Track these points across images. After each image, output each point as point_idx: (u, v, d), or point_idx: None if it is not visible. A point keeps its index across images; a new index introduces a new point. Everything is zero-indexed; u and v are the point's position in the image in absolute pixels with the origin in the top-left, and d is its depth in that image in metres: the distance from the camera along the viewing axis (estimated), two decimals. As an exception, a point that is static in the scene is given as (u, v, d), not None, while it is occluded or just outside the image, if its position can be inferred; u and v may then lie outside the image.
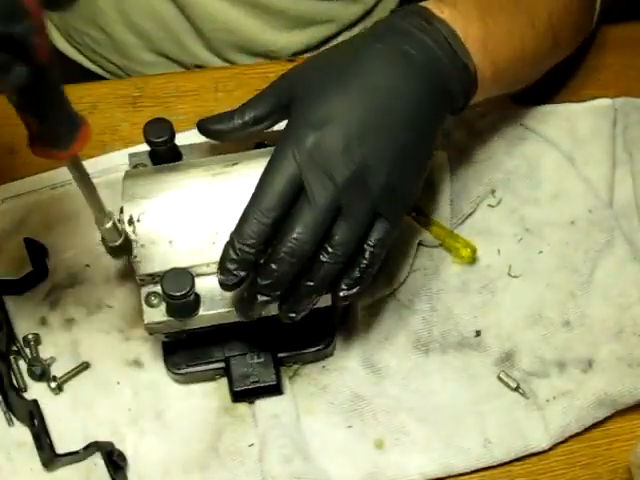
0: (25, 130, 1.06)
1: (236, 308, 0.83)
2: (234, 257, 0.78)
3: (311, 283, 0.80)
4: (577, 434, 0.94)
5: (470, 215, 1.04)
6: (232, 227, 0.79)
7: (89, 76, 1.32)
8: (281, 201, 0.77)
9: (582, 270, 1.01)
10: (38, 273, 0.99)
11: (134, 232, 0.83)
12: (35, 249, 0.99)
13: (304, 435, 0.93)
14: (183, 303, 0.81)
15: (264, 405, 0.93)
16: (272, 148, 0.81)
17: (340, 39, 1.23)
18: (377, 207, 0.80)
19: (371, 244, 0.81)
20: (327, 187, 0.77)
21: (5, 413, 0.93)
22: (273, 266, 0.78)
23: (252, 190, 0.79)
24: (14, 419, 0.93)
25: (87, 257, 1.00)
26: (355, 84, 0.81)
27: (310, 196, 0.77)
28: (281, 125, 0.84)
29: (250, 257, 0.78)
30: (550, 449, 0.94)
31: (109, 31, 1.24)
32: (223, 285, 0.80)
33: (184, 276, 0.80)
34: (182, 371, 0.93)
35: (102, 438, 0.92)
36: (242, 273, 0.78)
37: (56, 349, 0.96)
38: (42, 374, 0.94)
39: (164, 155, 0.88)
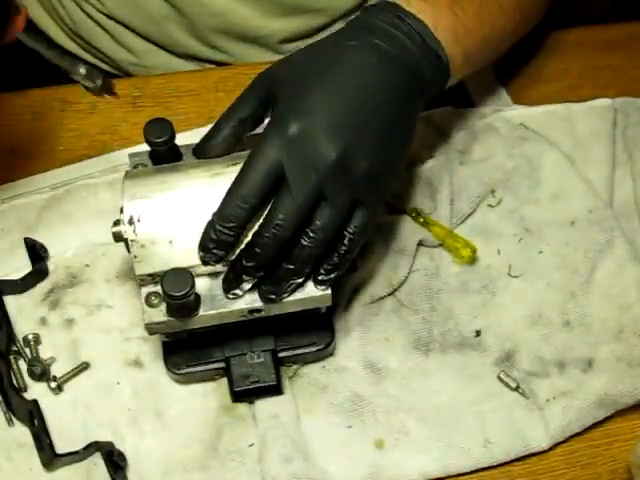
0: (24, 131, 1.07)
1: (223, 288, 0.85)
2: (214, 237, 0.81)
3: (292, 266, 0.82)
4: (577, 434, 0.94)
5: (470, 215, 1.04)
6: None
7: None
8: (261, 188, 0.80)
9: (582, 270, 1.01)
10: (38, 273, 0.99)
11: (134, 232, 0.83)
12: (35, 249, 0.99)
13: (304, 435, 0.93)
14: (183, 303, 0.81)
15: (264, 405, 0.93)
16: None
17: (335, 27, 1.22)
18: (357, 194, 0.83)
19: (351, 231, 0.84)
20: (308, 175, 0.80)
21: (5, 413, 0.93)
22: (257, 250, 0.81)
23: None
24: (14, 419, 0.92)
25: (87, 257, 1.01)
26: (334, 79, 0.84)
27: (292, 183, 0.80)
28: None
29: (229, 239, 0.81)
30: (550, 449, 0.94)
31: (97, 20, 1.24)
32: (203, 262, 0.83)
33: (184, 276, 0.80)
34: (182, 371, 0.93)
35: (102, 438, 0.92)
36: (220, 252, 0.82)
37: (56, 349, 0.96)
38: (42, 374, 0.94)
39: (164, 155, 0.88)
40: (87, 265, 1.00)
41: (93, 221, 1.02)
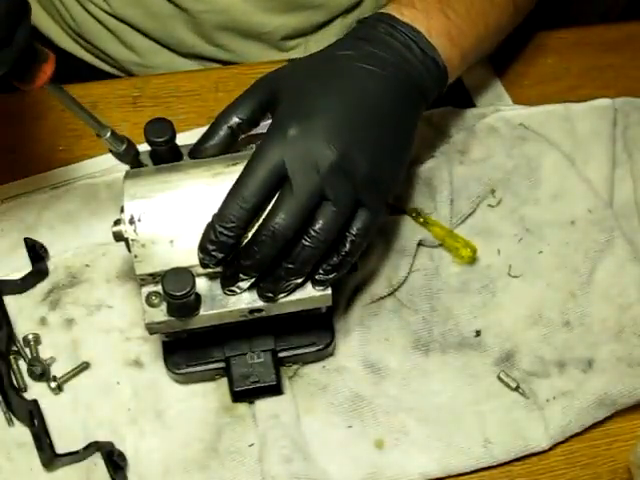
0: (25, 130, 1.07)
1: (221, 284, 0.85)
2: (213, 239, 0.81)
3: (291, 265, 0.82)
4: (577, 434, 0.94)
5: (470, 215, 1.04)
6: None
7: (94, 73, 1.32)
8: (263, 188, 0.80)
9: (582, 270, 1.01)
10: (38, 273, 0.99)
11: (135, 232, 0.83)
12: (35, 249, 0.99)
13: (304, 435, 0.93)
14: (184, 303, 0.81)
15: (264, 405, 0.93)
16: None
17: (336, 24, 1.25)
18: (359, 196, 0.83)
19: (353, 233, 0.84)
20: (310, 175, 0.80)
21: (5, 413, 0.93)
22: (255, 248, 0.81)
23: None
24: (14, 419, 0.92)
25: (87, 257, 1.00)
26: (334, 84, 0.86)
27: (294, 183, 0.80)
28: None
29: (229, 240, 0.81)
30: (550, 449, 0.94)
31: (101, 19, 1.24)
32: (202, 264, 0.82)
33: (185, 276, 0.80)
34: (182, 371, 0.93)
35: (102, 438, 0.92)
36: (220, 255, 0.81)
37: (56, 349, 0.96)
38: (42, 374, 0.94)
39: (165, 155, 0.88)
40: (87, 265, 1.00)
41: (93, 221, 1.02)
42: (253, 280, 0.84)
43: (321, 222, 0.81)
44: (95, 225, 1.01)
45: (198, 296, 0.84)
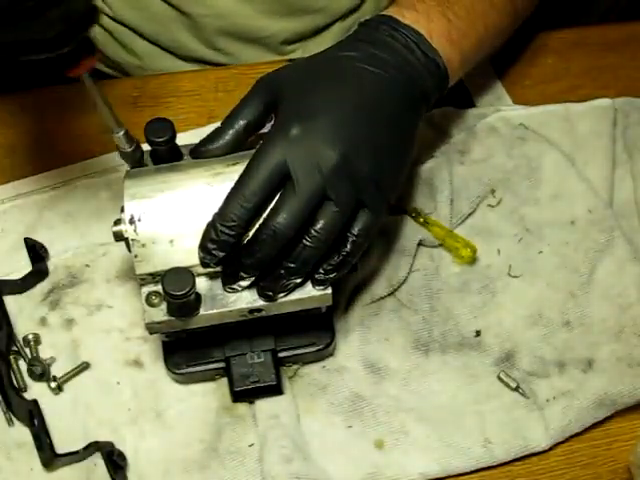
0: (24, 131, 1.07)
1: (222, 281, 0.85)
2: (214, 238, 0.81)
3: (292, 265, 0.82)
4: (577, 434, 0.94)
5: (470, 215, 1.04)
6: None
7: (93, 73, 1.32)
8: (265, 187, 0.80)
9: (582, 270, 1.01)
10: (38, 273, 0.99)
11: (135, 231, 0.83)
12: (35, 249, 0.99)
13: (304, 435, 0.93)
14: (184, 302, 0.81)
15: (264, 405, 0.93)
16: None
17: (335, 28, 1.25)
18: (361, 196, 0.83)
19: (355, 233, 0.84)
20: (312, 175, 0.80)
21: (5, 413, 0.93)
22: (256, 247, 0.81)
23: None
24: (14, 419, 0.93)
25: (87, 257, 1.01)
26: (335, 84, 0.86)
27: (295, 182, 0.80)
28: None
29: (230, 239, 0.81)
30: (550, 449, 0.94)
31: (103, 23, 1.24)
32: (203, 264, 0.83)
33: (185, 275, 0.80)
34: (182, 371, 0.93)
35: (102, 438, 0.92)
36: (221, 254, 0.82)
37: (56, 349, 0.96)
38: (42, 374, 0.94)
39: (165, 155, 0.88)
40: (87, 265, 1.00)
41: (93, 221, 1.02)
42: (254, 278, 0.84)
43: (322, 222, 0.81)
44: (95, 225, 1.01)
45: (198, 296, 0.84)
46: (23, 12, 0.68)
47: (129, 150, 0.85)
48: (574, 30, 1.19)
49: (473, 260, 1.01)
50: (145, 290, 0.85)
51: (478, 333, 0.98)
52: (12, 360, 0.95)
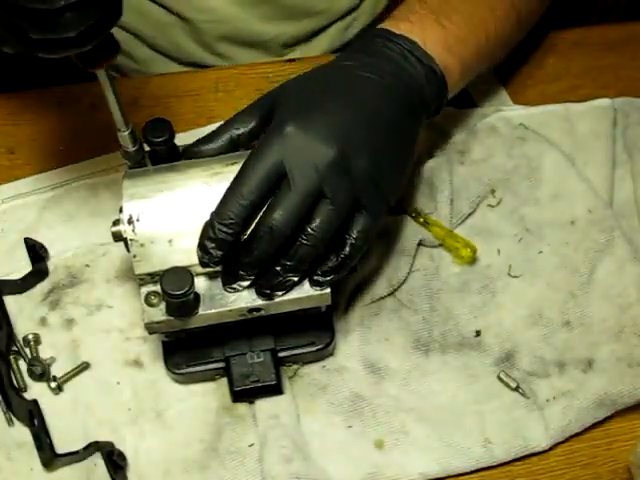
0: (24, 131, 1.07)
1: (222, 281, 0.85)
2: (212, 236, 0.81)
3: (288, 263, 0.83)
4: (577, 434, 0.94)
5: (470, 215, 1.04)
6: None
7: (92, 74, 1.33)
8: (261, 185, 0.81)
9: (582, 270, 1.01)
10: (38, 273, 0.99)
11: (134, 231, 0.83)
12: (35, 249, 0.99)
13: (304, 435, 0.93)
14: (183, 302, 0.81)
15: (264, 405, 0.93)
16: None
17: (330, 33, 1.27)
18: (359, 196, 0.83)
19: (353, 235, 0.84)
20: (309, 172, 0.81)
21: (5, 413, 0.93)
22: (253, 245, 0.81)
23: None
24: (14, 419, 0.93)
25: (87, 257, 1.01)
26: (335, 87, 0.87)
27: (291, 180, 0.80)
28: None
29: (227, 237, 0.81)
30: (550, 449, 0.94)
31: None
32: (201, 263, 0.83)
33: (184, 275, 0.80)
34: (182, 371, 0.93)
35: (102, 438, 0.92)
36: (219, 252, 0.82)
37: (56, 349, 0.96)
38: (42, 374, 0.94)
39: (163, 155, 0.88)
40: (87, 265, 1.00)
41: (93, 221, 1.02)
42: (253, 277, 0.84)
43: (318, 220, 0.81)
44: (95, 225, 1.01)
45: (197, 295, 0.84)
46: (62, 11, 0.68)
47: (132, 150, 0.86)
48: (574, 30, 1.19)
49: (473, 260, 1.01)
50: (144, 290, 0.85)
51: (478, 333, 0.98)
52: (12, 360, 0.95)
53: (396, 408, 0.94)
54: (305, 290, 0.86)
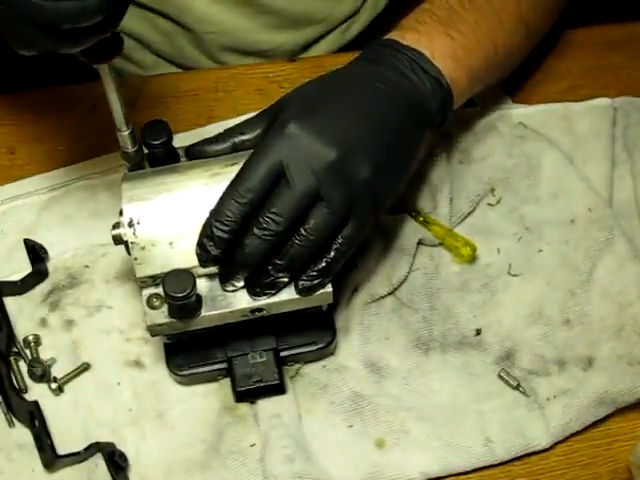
0: (25, 131, 1.07)
1: (219, 281, 0.86)
2: (209, 234, 0.81)
3: (280, 262, 0.83)
4: (577, 434, 0.94)
5: (470, 214, 1.04)
6: None
7: (92, 74, 1.33)
8: (260, 184, 0.81)
9: (582, 268, 1.01)
10: (38, 274, 0.99)
11: (134, 234, 0.83)
12: (35, 250, 0.99)
13: (305, 435, 0.93)
14: (185, 304, 0.81)
15: (266, 405, 0.93)
16: None
17: (330, 37, 1.27)
18: (354, 202, 0.83)
19: (339, 241, 0.84)
20: (308, 173, 0.81)
21: (6, 414, 0.93)
22: (246, 241, 0.81)
23: None
24: (15, 420, 0.93)
25: (86, 258, 1.01)
26: (340, 93, 0.88)
27: (289, 180, 0.81)
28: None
29: (224, 235, 0.81)
30: (550, 448, 0.94)
31: None
32: (200, 261, 0.83)
33: (185, 277, 0.80)
34: (185, 372, 0.93)
35: (103, 439, 0.92)
36: (216, 250, 0.82)
37: (56, 350, 0.96)
38: (43, 375, 0.94)
39: (162, 157, 0.88)
40: (87, 266, 1.00)
41: (92, 222, 1.02)
42: (247, 275, 0.84)
43: (313, 222, 0.82)
44: (94, 226, 1.01)
45: (199, 297, 0.84)
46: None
47: (131, 150, 0.85)
48: (574, 30, 1.19)
49: (473, 259, 1.01)
50: (146, 293, 0.85)
51: (478, 332, 0.98)
52: (12, 361, 0.95)
53: (396, 407, 0.95)
54: None
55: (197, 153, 0.88)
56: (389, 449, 0.93)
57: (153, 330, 0.85)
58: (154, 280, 0.84)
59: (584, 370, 0.96)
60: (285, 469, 0.90)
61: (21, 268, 0.99)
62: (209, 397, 0.95)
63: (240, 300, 0.85)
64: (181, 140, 0.91)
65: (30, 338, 0.96)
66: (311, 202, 0.81)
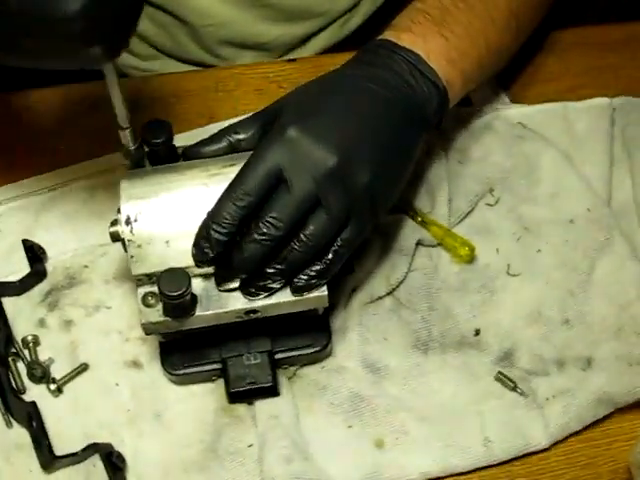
0: (25, 130, 1.07)
1: (215, 281, 0.85)
2: (206, 236, 0.81)
3: (278, 266, 0.83)
4: (577, 434, 0.94)
5: (468, 214, 1.04)
6: None
7: (93, 74, 1.33)
8: (258, 187, 0.80)
9: (581, 268, 1.01)
10: (36, 274, 0.99)
11: (131, 232, 0.83)
12: (33, 250, 0.99)
13: (304, 435, 0.93)
14: (179, 303, 0.81)
15: (264, 406, 0.93)
16: None
17: (329, 31, 1.27)
18: (353, 207, 0.83)
19: (337, 244, 0.84)
20: (307, 177, 0.80)
21: (4, 415, 0.93)
22: (244, 246, 0.81)
23: None
24: (13, 421, 0.93)
25: (85, 258, 1.01)
26: (338, 96, 0.87)
27: (289, 184, 0.80)
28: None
29: (221, 237, 0.81)
30: (550, 448, 0.93)
31: None
32: (196, 262, 0.83)
33: (181, 276, 0.80)
34: (179, 372, 0.93)
35: (101, 439, 0.92)
36: (212, 252, 0.82)
37: (55, 350, 0.96)
38: (42, 377, 0.94)
39: (162, 156, 0.88)
40: (85, 266, 1.00)
41: (91, 222, 1.02)
42: (243, 278, 0.84)
43: (312, 227, 0.81)
44: (93, 226, 1.01)
45: (194, 296, 0.84)
46: None
47: (133, 148, 0.85)
48: (574, 30, 1.19)
49: (472, 259, 1.01)
50: (141, 291, 0.85)
51: (477, 332, 0.98)
52: (11, 362, 0.95)
53: (396, 408, 0.94)
54: None
55: (193, 155, 0.88)
56: (388, 449, 0.93)
57: (147, 328, 0.85)
58: (150, 278, 0.84)
59: (583, 370, 0.96)
60: (283, 470, 0.90)
61: (20, 268, 0.99)
62: (207, 397, 0.95)
63: (235, 301, 0.85)
64: (181, 140, 0.91)
65: (29, 338, 0.96)
66: (310, 207, 0.81)
